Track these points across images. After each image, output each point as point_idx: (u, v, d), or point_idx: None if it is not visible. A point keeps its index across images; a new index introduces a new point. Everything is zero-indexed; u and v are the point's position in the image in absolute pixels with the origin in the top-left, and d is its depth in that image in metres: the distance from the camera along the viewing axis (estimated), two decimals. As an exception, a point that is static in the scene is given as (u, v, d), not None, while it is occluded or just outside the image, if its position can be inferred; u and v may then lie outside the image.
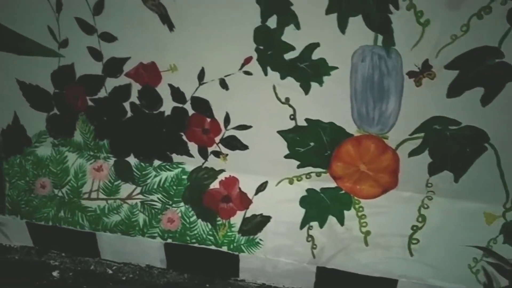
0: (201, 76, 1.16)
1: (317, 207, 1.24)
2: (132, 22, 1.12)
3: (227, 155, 1.25)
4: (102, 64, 1.20)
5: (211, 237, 1.29)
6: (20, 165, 1.37)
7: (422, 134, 1.11)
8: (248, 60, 1.11)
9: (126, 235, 1.33)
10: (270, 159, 1.22)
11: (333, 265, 1.25)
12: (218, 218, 1.29)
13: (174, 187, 1.30)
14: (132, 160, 1.32)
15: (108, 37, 1.16)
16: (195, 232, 1.30)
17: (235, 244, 1.28)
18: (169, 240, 1.31)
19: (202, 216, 1.30)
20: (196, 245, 1.30)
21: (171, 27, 1.11)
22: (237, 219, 1.28)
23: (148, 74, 1.19)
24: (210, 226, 1.29)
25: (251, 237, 1.27)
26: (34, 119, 1.32)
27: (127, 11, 1.11)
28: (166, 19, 1.11)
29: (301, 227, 1.25)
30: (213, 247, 1.29)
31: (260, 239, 1.27)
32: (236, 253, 1.28)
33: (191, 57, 1.14)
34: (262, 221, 1.26)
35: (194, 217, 1.30)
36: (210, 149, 1.26)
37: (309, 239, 1.25)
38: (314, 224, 1.24)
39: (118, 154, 1.32)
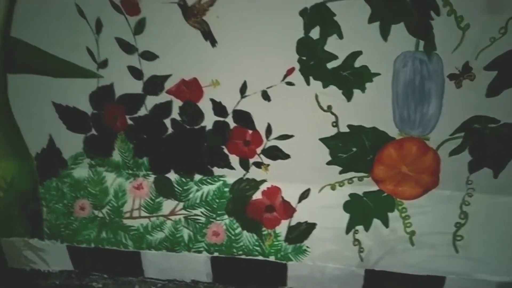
0: (243, 89, 1.18)
1: (361, 211, 1.26)
2: (174, 40, 1.14)
3: (268, 165, 1.26)
4: (142, 82, 1.21)
5: (257, 248, 1.30)
6: (57, 188, 1.36)
7: (462, 134, 1.15)
8: (290, 71, 1.14)
9: (172, 252, 1.33)
10: (312, 166, 1.25)
11: (381, 267, 1.27)
12: (263, 228, 1.30)
13: (217, 200, 1.31)
14: (172, 176, 1.32)
15: (149, 56, 1.17)
16: (241, 244, 1.31)
17: (282, 253, 1.29)
18: (216, 254, 1.31)
19: (247, 227, 1.30)
20: (243, 256, 1.31)
21: (213, 43, 1.13)
22: (282, 228, 1.29)
23: (190, 90, 1.20)
24: (255, 237, 1.30)
25: (298, 245, 1.29)
26: (70, 141, 1.31)
27: (168, 30, 1.13)
28: (208, 35, 1.13)
29: (347, 231, 1.27)
30: (260, 258, 1.30)
31: (307, 246, 1.28)
32: (284, 262, 1.30)
33: (234, 71, 1.16)
34: (307, 228, 1.28)
35: (239, 229, 1.31)
36: (251, 160, 1.27)
37: (356, 243, 1.27)
38: (360, 228, 1.26)
39: (158, 171, 1.32)
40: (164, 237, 1.33)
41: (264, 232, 1.30)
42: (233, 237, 1.31)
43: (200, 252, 1.32)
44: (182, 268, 1.35)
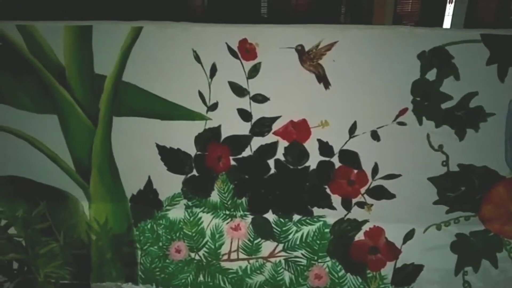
0: (352, 129, 1.19)
1: (469, 251, 1.23)
2: (287, 83, 1.17)
3: (372, 205, 1.25)
4: (250, 124, 1.22)
5: (363, 291, 1.27)
6: (152, 230, 1.34)
7: None
8: (403, 112, 1.15)
9: (273, 296, 1.30)
10: (418, 206, 1.23)
11: (494, 310, 1.23)
12: (368, 271, 1.27)
13: (318, 242, 1.28)
14: (270, 216, 1.31)
15: (260, 98, 1.19)
16: (346, 287, 1.27)
17: (389, 297, 1.26)
18: (319, 298, 1.28)
19: (351, 270, 1.27)
20: (348, 301, 1.27)
21: (327, 85, 1.16)
22: (387, 270, 1.26)
23: (297, 131, 1.22)
24: (360, 280, 1.27)
25: (406, 287, 1.25)
26: (169, 182, 1.31)
27: (282, 73, 1.16)
28: (322, 78, 1.15)
29: (456, 273, 1.24)
30: (366, 302, 1.27)
31: (415, 289, 1.25)
32: (391, 306, 1.26)
33: (344, 112, 1.17)
34: (414, 270, 1.25)
35: (343, 271, 1.28)
36: (354, 200, 1.27)
37: (466, 285, 1.23)
38: (468, 269, 1.24)
39: (256, 211, 1.31)
40: (264, 280, 1.30)
41: (369, 275, 1.27)
42: (336, 280, 1.28)
43: (303, 296, 1.29)
44: (283, 313, 1.32)
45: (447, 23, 3.83)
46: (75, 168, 1.32)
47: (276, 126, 1.22)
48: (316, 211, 1.29)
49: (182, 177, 1.31)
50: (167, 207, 1.34)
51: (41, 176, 1.34)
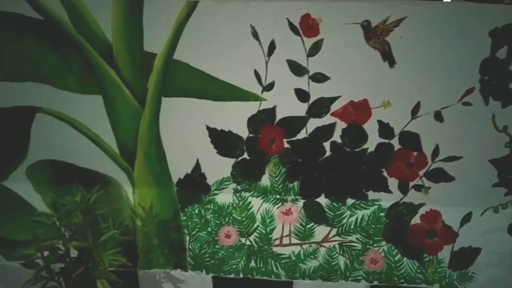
0: (415, 110, 1.15)
1: (527, 234, 1.22)
2: (349, 61, 1.12)
3: (429, 188, 1.22)
4: (307, 105, 1.17)
5: (420, 275, 1.24)
6: (200, 215, 1.30)
7: None
8: (469, 91, 1.11)
9: (327, 281, 1.26)
10: (476, 189, 1.20)
11: (554, 293, 1.22)
12: (425, 255, 1.25)
13: (373, 226, 1.25)
14: (322, 200, 1.27)
15: (320, 78, 1.14)
16: (402, 271, 1.25)
17: (447, 281, 1.23)
18: (375, 282, 1.25)
19: (407, 254, 1.25)
20: (405, 285, 1.25)
21: (392, 63, 1.11)
22: (444, 254, 1.24)
23: (357, 111, 1.17)
24: (417, 264, 1.25)
25: (463, 271, 1.23)
26: (218, 166, 1.26)
27: (345, 51, 1.11)
28: (388, 56, 1.10)
29: (514, 256, 1.23)
30: (423, 286, 1.24)
31: (473, 273, 1.23)
32: (449, 289, 1.24)
33: (408, 92, 1.13)
34: (472, 253, 1.23)
35: (399, 255, 1.25)
36: (411, 183, 1.23)
37: (524, 268, 1.22)
38: (527, 252, 1.23)
39: (308, 195, 1.27)
40: (318, 265, 1.27)
41: (426, 259, 1.25)
42: (393, 265, 1.25)
43: (358, 281, 1.26)
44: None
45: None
46: (120, 152, 1.26)
47: (334, 107, 1.18)
48: (371, 194, 1.26)
49: (232, 161, 1.26)
50: (215, 191, 1.30)
51: (83, 160, 1.27)
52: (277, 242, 1.29)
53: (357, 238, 1.27)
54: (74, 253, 1.06)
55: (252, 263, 1.29)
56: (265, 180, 1.28)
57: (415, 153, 1.20)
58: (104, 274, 0.95)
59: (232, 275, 1.30)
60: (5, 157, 1.28)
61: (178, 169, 1.30)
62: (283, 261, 1.28)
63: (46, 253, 1.02)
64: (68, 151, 1.27)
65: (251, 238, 1.30)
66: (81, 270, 0.89)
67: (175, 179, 1.30)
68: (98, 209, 0.99)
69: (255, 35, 1.11)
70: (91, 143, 1.26)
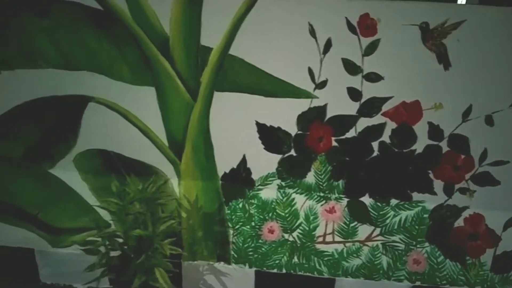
0: (466, 113, 1.15)
1: None
2: (404, 62, 1.12)
3: (474, 191, 1.23)
4: (359, 104, 1.19)
5: (462, 277, 1.25)
6: (244, 209, 1.31)
7: None
8: (522, 97, 1.12)
9: (370, 279, 1.27)
10: (521, 193, 1.22)
11: None
12: (467, 257, 1.25)
13: (416, 227, 1.26)
14: (366, 200, 1.28)
15: (373, 77, 1.15)
16: (444, 273, 1.25)
17: (488, 283, 1.24)
18: (418, 283, 1.26)
19: (450, 256, 1.26)
20: (446, 286, 1.25)
21: (447, 66, 1.12)
22: (487, 257, 1.25)
23: (409, 112, 1.18)
24: (459, 266, 1.25)
25: (505, 275, 1.24)
26: (264, 161, 1.27)
27: (401, 51, 1.11)
28: (443, 58, 1.11)
29: (558, 262, 1.23)
30: (465, 288, 1.26)
31: (515, 277, 1.24)
32: (491, 293, 1.25)
33: (461, 94, 1.14)
34: (515, 258, 1.24)
35: (442, 257, 1.26)
36: (457, 186, 1.24)
37: None
38: None
39: (352, 194, 1.28)
40: (361, 263, 1.28)
41: (468, 261, 1.25)
42: (435, 266, 1.26)
43: (401, 280, 1.27)
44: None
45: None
46: (168, 144, 1.27)
47: (386, 107, 1.19)
48: (415, 196, 1.27)
49: (278, 157, 1.27)
50: (259, 187, 1.31)
51: (131, 150, 1.29)
52: (320, 239, 1.30)
53: (400, 239, 1.28)
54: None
55: (295, 259, 1.31)
56: (310, 178, 1.29)
57: (462, 156, 1.21)
58: (163, 263, 0.96)
59: (275, 270, 1.31)
60: (55, 145, 1.30)
61: (224, 163, 1.31)
62: (326, 258, 1.30)
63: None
64: (117, 141, 1.29)
65: (294, 234, 1.31)
66: (143, 258, 0.90)
67: (220, 173, 1.32)
68: (160, 199, 1.00)
69: (312, 32, 1.12)
70: (141, 134, 1.27)
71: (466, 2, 1.16)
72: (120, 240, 0.98)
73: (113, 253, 1.01)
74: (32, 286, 1.37)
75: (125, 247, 0.98)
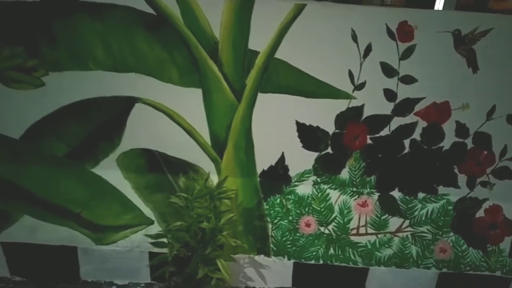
0: (490, 112, 1.27)
1: None
2: (436, 66, 1.22)
3: (494, 184, 1.34)
4: (393, 104, 1.27)
5: (484, 264, 1.36)
6: (281, 204, 1.37)
7: None
8: (541, 98, 1.24)
9: (401, 268, 1.37)
10: (537, 186, 1.34)
11: None
12: (488, 245, 1.36)
13: (442, 218, 1.36)
14: (396, 194, 1.38)
15: (408, 80, 1.24)
16: (468, 260, 1.36)
17: (507, 268, 1.36)
18: (444, 270, 1.36)
19: (473, 244, 1.37)
20: (470, 272, 1.36)
21: (475, 69, 1.22)
22: (505, 244, 1.37)
23: (438, 112, 1.28)
24: (481, 253, 1.36)
25: (523, 260, 1.36)
26: (301, 159, 1.34)
27: (434, 56, 1.21)
28: (472, 63, 1.22)
29: None
30: (486, 273, 1.36)
31: (531, 262, 1.36)
32: (509, 276, 1.36)
33: (486, 96, 1.25)
34: (531, 244, 1.36)
35: (465, 245, 1.37)
36: (478, 180, 1.35)
37: None
38: None
39: (383, 189, 1.37)
40: (392, 253, 1.37)
41: (489, 249, 1.37)
42: (460, 254, 1.37)
43: (429, 268, 1.37)
44: (410, 284, 1.39)
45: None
46: (211, 143, 1.33)
47: (418, 107, 1.28)
48: (441, 189, 1.38)
49: (315, 154, 1.35)
50: (296, 183, 1.38)
51: (175, 150, 1.34)
52: (354, 231, 1.39)
53: (427, 229, 1.38)
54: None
55: (331, 251, 1.39)
56: (344, 174, 1.38)
57: (485, 152, 1.33)
58: (225, 255, 1.01)
59: (312, 262, 1.39)
60: (99, 144, 1.33)
61: (263, 160, 1.37)
62: (360, 249, 1.38)
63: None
64: (161, 141, 1.33)
65: (330, 227, 1.39)
66: (210, 250, 0.94)
67: (259, 170, 1.38)
68: (226, 194, 1.04)
69: (354, 37, 1.21)
70: (184, 133, 1.32)
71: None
72: (184, 234, 1.03)
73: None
74: (73, 284, 1.39)
75: (190, 240, 1.02)
